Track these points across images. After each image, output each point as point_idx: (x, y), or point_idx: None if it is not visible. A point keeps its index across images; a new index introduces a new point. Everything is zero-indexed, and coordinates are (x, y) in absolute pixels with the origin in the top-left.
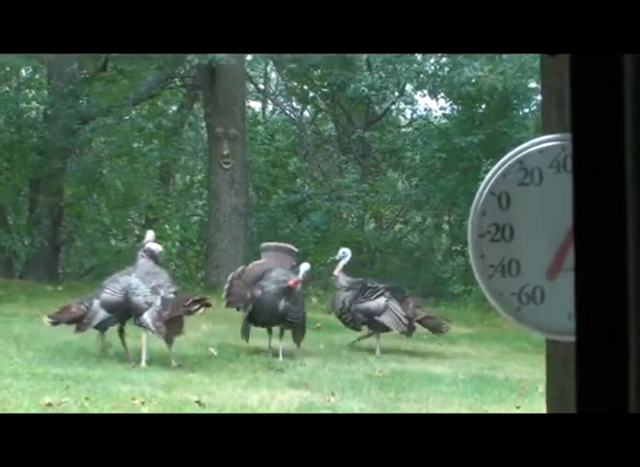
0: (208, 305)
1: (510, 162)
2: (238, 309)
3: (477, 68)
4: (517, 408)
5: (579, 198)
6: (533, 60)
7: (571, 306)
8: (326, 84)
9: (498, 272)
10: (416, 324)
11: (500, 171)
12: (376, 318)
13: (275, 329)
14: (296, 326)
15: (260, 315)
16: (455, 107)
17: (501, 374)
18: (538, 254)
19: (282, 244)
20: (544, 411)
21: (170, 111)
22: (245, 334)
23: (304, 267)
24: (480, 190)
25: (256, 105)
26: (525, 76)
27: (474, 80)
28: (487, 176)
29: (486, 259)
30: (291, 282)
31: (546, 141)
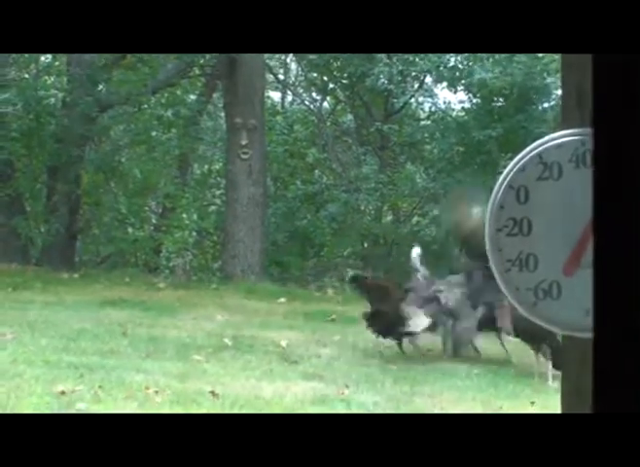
0: None
1: (529, 157)
2: None
3: (487, 70)
4: (532, 403)
5: (599, 194)
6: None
7: (588, 303)
8: (345, 75)
9: (515, 267)
10: None
11: (519, 165)
12: None
13: None
14: None
15: None
16: (474, 101)
17: (516, 369)
18: (556, 249)
19: None
20: (558, 406)
21: (189, 100)
22: None
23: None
24: (498, 183)
25: (275, 95)
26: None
27: (487, 80)
28: (506, 170)
29: (504, 253)
30: None
31: (565, 136)
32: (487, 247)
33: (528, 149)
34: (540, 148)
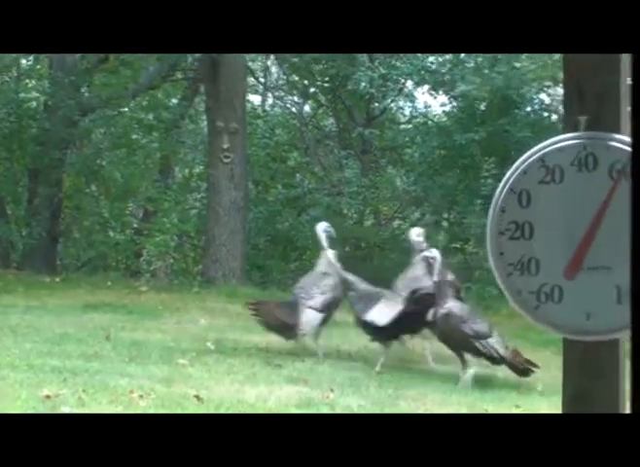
0: None
1: (530, 160)
2: None
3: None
4: (517, 407)
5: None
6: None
7: (589, 306)
8: (327, 78)
9: (517, 270)
10: None
11: (521, 169)
12: None
13: None
14: None
15: None
16: (456, 104)
17: (500, 372)
18: (557, 253)
19: None
20: (543, 410)
21: (171, 103)
22: None
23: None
24: (500, 187)
25: (255, 98)
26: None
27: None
28: (508, 173)
29: (505, 257)
30: None
31: (567, 139)
32: (488, 251)
33: (530, 152)
34: (542, 152)
